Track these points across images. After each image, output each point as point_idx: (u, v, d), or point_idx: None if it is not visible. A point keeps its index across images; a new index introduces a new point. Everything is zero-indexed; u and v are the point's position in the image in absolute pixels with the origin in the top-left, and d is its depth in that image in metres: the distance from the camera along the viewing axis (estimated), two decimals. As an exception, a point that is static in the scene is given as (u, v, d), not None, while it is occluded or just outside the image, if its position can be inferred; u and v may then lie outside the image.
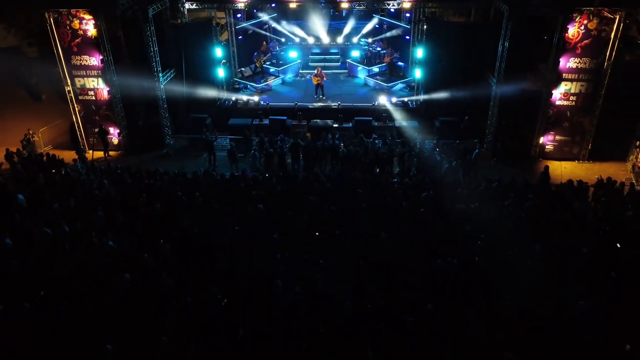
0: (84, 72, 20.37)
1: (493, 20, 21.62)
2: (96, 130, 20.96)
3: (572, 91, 19.43)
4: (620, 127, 20.53)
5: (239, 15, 27.16)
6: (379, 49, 28.70)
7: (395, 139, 20.19)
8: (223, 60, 24.30)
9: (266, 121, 22.23)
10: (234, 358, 9.76)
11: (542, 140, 20.43)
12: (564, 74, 19.18)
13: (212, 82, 23.80)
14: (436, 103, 22.24)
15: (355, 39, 30.13)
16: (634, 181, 17.85)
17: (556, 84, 19.36)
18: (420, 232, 13.54)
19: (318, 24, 28.93)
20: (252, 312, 10.69)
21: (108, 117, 21.19)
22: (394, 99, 23.98)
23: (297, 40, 30.47)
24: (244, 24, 27.36)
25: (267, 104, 23.77)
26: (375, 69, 27.27)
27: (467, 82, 20.73)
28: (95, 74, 20.40)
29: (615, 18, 17.79)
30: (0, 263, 12.22)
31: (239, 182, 16.35)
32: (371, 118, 22.16)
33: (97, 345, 9.63)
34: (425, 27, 22.68)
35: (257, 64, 27.04)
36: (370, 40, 29.91)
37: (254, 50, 27.48)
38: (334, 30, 30.76)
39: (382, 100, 23.67)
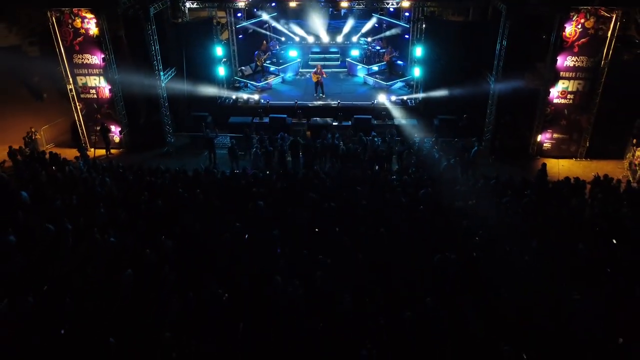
0: (86, 70, 20.48)
1: (491, 19, 21.77)
2: (98, 128, 21.09)
3: (570, 89, 19.57)
4: (617, 125, 20.68)
5: (239, 15, 27.31)
6: (378, 47, 28.85)
7: (394, 137, 20.34)
8: (223, 59, 24.49)
9: (266, 119, 22.38)
10: (235, 352, 9.90)
11: (539, 138, 20.57)
12: (561, 73, 19.30)
13: (213, 81, 23.96)
14: (435, 101, 22.38)
15: (354, 38, 30.28)
16: (630, 179, 17.99)
17: (554, 82, 19.49)
18: (419, 228, 13.71)
19: (318, 23, 29.08)
20: (252, 307, 10.86)
21: (109, 115, 21.32)
22: (393, 98, 24.14)
23: (297, 39, 30.61)
24: (244, 23, 27.51)
25: (267, 102, 23.93)
26: (375, 67, 27.42)
27: (466, 81, 20.83)
28: (97, 73, 20.52)
29: (612, 17, 17.91)
30: (5, 259, 12.43)
31: (240, 179, 16.52)
32: (370, 116, 22.34)
33: (101, 338, 9.81)
34: (424, 26, 22.86)
35: (257, 63, 27.18)
36: (369, 39, 30.04)
37: (254, 49, 27.63)
38: (333, 30, 30.91)
39: (382, 98, 23.82)
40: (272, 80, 26.53)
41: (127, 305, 11.00)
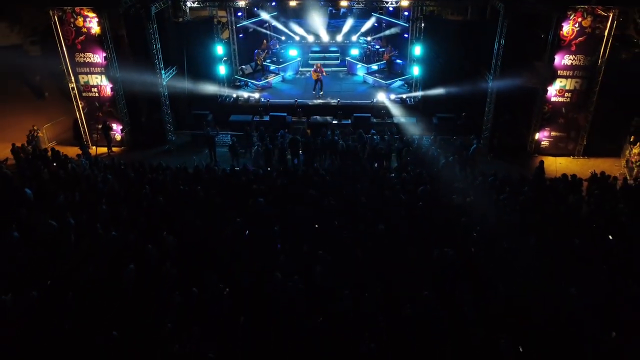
0: (88, 69, 20.61)
1: (489, 18, 21.92)
2: (99, 126, 21.23)
3: (567, 88, 19.71)
4: (614, 123, 20.84)
5: (239, 14, 27.45)
6: (377, 47, 29.03)
7: (393, 135, 20.50)
8: (224, 58, 24.63)
9: (267, 118, 22.53)
10: (235, 346, 10.06)
11: (537, 136, 20.70)
12: (559, 71, 19.44)
13: (214, 79, 24.08)
14: (434, 100, 22.48)
15: (354, 37, 30.42)
16: (627, 176, 18.15)
17: (551, 81, 19.63)
18: (418, 225, 13.88)
19: (317, 22, 29.23)
20: (252, 302, 11.02)
21: (111, 113, 21.45)
22: (393, 96, 24.28)
23: (297, 38, 30.75)
24: (245, 22, 27.65)
25: (268, 100, 24.09)
26: (374, 66, 27.58)
27: (464, 79, 20.98)
28: (99, 71, 20.65)
29: (608, 16, 18.06)
30: (9, 254, 12.61)
31: (240, 176, 16.70)
32: (370, 115, 22.51)
33: (104, 331, 9.98)
34: (423, 25, 23.01)
35: (257, 62, 27.34)
36: (369, 38, 30.22)
37: (254, 48, 27.81)
38: (333, 29, 31.05)
39: (381, 97, 23.97)
40: (272, 79, 26.68)
41: (129, 299, 11.16)
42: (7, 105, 25.21)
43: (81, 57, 20.38)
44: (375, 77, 26.65)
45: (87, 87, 21.02)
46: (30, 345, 9.94)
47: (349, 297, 10.93)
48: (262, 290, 11.34)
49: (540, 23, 20.69)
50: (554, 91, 19.87)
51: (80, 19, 19.62)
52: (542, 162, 17.70)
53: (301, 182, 16.21)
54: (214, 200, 15.06)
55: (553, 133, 20.61)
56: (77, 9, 19.41)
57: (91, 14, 19.55)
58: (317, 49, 30.01)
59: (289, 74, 27.73)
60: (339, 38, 30.52)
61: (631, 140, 19.01)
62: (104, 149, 21.61)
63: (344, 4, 22.75)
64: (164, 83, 21.10)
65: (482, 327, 10.22)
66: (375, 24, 29.86)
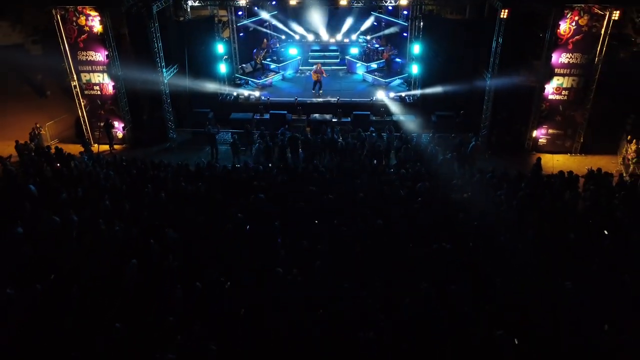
0: (90, 67, 20.80)
1: (487, 17, 22.07)
2: (101, 124, 21.40)
3: (565, 86, 19.88)
4: (611, 121, 21.04)
5: (240, 13, 27.64)
6: (377, 45, 29.21)
7: (393, 133, 20.70)
8: (225, 57, 24.83)
9: (267, 116, 22.71)
10: (236, 337, 10.26)
11: (535, 133, 20.89)
12: (556, 69, 19.63)
13: (214, 78, 24.27)
14: (433, 98, 22.65)
15: (354, 36, 30.59)
16: (623, 173, 18.34)
17: (549, 79, 19.83)
18: (416, 220, 14.07)
19: (317, 21, 29.40)
20: (253, 295, 11.21)
21: (113, 111, 21.63)
22: (392, 94, 24.48)
23: (297, 37, 30.92)
24: (245, 22, 27.84)
25: (268, 99, 24.28)
26: (374, 65, 27.74)
27: (463, 78, 21.18)
28: (101, 69, 20.83)
29: (605, 15, 18.23)
30: (13, 249, 12.80)
31: (241, 173, 16.89)
32: (369, 113, 22.68)
33: (107, 324, 10.17)
34: (422, 23, 23.21)
35: (256, 61, 27.52)
36: (368, 37, 30.39)
37: (255, 47, 28.00)
38: (333, 28, 31.20)
39: (380, 95, 24.17)
40: (273, 78, 26.86)
41: (132, 293, 11.33)
42: (9, 103, 25.39)
43: (83, 55, 20.56)
44: (375, 75, 26.84)
45: (89, 85, 21.21)
46: (35, 338, 10.05)
47: (347, 289, 11.11)
48: (263, 284, 11.50)
49: (538, 22, 20.85)
50: (551, 89, 20.05)
51: (83, 18, 19.81)
52: (539, 159, 17.89)
53: (301, 179, 16.38)
54: (215, 197, 15.23)
55: (550, 131, 20.79)
56: (79, 7, 19.60)
57: (93, 13, 19.74)
58: (317, 47, 30.19)
59: (289, 72, 27.91)
60: (339, 37, 30.68)
61: (628, 138, 19.18)
62: (106, 147, 21.76)
63: (343, 2, 22.90)
64: (166, 81, 21.29)
65: (479, 320, 10.40)
66: (375, 23, 30.04)
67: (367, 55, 28.54)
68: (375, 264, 12.10)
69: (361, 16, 29.48)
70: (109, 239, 13.29)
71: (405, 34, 27.12)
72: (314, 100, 24.48)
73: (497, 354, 9.70)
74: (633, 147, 18.53)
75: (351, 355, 9.68)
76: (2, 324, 10.33)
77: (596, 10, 18.34)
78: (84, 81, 21.12)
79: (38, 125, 21.03)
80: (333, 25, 30.07)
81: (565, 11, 18.59)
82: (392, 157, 19.58)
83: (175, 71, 22.45)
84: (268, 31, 30.02)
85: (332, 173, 16.76)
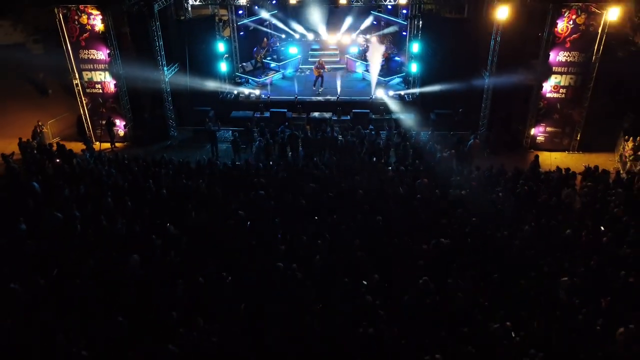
0: (92, 65, 20.94)
1: (486, 15, 22.22)
2: (103, 122, 21.54)
3: (562, 84, 20.03)
4: (609, 119, 21.19)
5: (240, 12, 27.79)
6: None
7: (392, 131, 20.86)
8: (225, 55, 24.98)
9: (267, 114, 22.85)
10: (236, 331, 10.42)
11: (533, 131, 21.04)
12: (554, 67, 19.77)
13: (215, 76, 24.38)
14: (432, 96, 22.74)
15: (353, 35, 30.69)
16: (620, 170, 18.49)
17: (546, 77, 19.99)
18: (415, 216, 14.25)
19: (317, 20, 29.50)
20: (254, 290, 11.38)
21: (114, 109, 21.78)
22: (391, 93, 24.60)
23: (296, 36, 31.03)
24: (246, 21, 27.97)
25: (268, 97, 24.44)
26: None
27: (461, 76, 21.29)
28: (102, 68, 20.97)
29: (602, 13, 18.39)
30: (17, 245, 12.99)
31: (242, 170, 17.07)
32: (369, 111, 22.83)
33: (110, 318, 10.34)
34: (420, 22, 23.37)
35: (256, 59, 27.66)
36: (368, 36, 30.49)
37: (255, 46, 28.13)
38: (332, 27, 31.29)
39: (380, 93, 24.33)
40: (273, 76, 27.00)
41: (134, 287, 11.49)
42: (11, 102, 25.53)
43: (85, 54, 20.70)
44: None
45: (91, 83, 21.36)
46: (38, 332, 10.24)
47: (347, 283, 11.28)
48: (263, 279, 11.66)
49: (536, 20, 21.00)
50: (549, 87, 20.20)
51: (85, 17, 19.96)
52: (537, 157, 18.07)
53: (301, 176, 16.55)
54: (216, 193, 15.40)
55: (548, 128, 20.95)
56: (81, 6, 19.75)
57: (95, 12, 19.88)
58: (316, 46, 30.32)
59: (289, 71, 28.04)
60: (338, 36, 30.76)
61: (625, 137, 19.32)
62: (107, 145, 21.93)
63: (342, 1, 23.05)
64: (167, 79, 21.45)
65: (477, 313, 10.58)
66: (374, 22, 30.13)
67: (366, 54, 28.64)
68: (374, 260, 12.25)
69: (360, 15, 29.57)
70: (111, 235, 13.49)
71: (404, 33, 27.26)
72: (314, 98, 24.62)
73: (495, 347, 9.86)
74: (630, 144, 18.68)
75: (351, 351, 9.82)
76: (7, 318, 10.47)
77: (593, 9, 18.50)
78: (86, 79, 21.26)
79: (40, 124, 21.17)
80: (333, 24, 30.15)
81: (563, 10, 18.75)
82: (391, 155, 19.74)
83: (176, 70, 22.59)
84: (268, 30, 30.13)
85: (332, 170, 16.91)
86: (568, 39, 19.17)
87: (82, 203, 15.01)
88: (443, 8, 25.51)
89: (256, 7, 26.49)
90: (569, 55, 19.51)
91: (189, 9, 23.97)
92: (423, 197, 14.93)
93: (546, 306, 10.89)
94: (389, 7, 27.51)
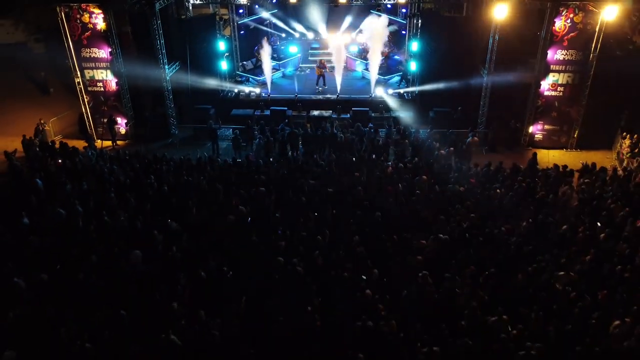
0: (93, 64, 21.11)
1: (484, 14, 22.36)
2: (105, 120, 21.71)
3: (560, 82, 20.20)
4: (606, 117, 21.35)
5: (241, 11, 27.96)
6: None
7: (391, 128, 21.03)
8: (226, 54, 25.15)
9: (267, 112, 23.01)
10: (238, 323, 10.58)
11: (531, 129, 21.22)
12: (551, 66, 19.95)
13: (215, 75, 24.59)
14: (431, 94, 22.92)
15: (353, 34, 30.84)
16: (617, 167, 18.65)
17: (544, 75, 20.16)
18: (414, 212, 14.40)
19: (317, 19, 29.65)
20: (254, 284, 11.54)
21: (116, 107, 21.94)
22: (391, 91, 24.78)
23: (296, 35, 31.21)
24: (246, 20, 28.15)
25: (269, 95, 24.60)
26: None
27: (460, 74, 21.47)
28: (104, 66, 21.14)
29: (599, 12, 18.54)
30: (20, 240, 13.16)
31: (242, 166, 17.23)
32: (368, 109, 23.00)
33: (113, 311, 10.50)
34: (420, 21, 23.54)
35: (257, 57, 27.82)
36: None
37: (255, 45, 28.30)
38: (332, 26, 31.42)
39: (379, 92, 24.49)
40: (273, 75, 27.16)
41: (136, 281, 11.64)
42: (12, 101, 25.71)
43: (87, 52, 20.86)
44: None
45: (93, 81, 21.52)
46: (43, 325, 10.36)
47: (346, 277, 11.43)
48: (264, 273, 11.81)
49: (534, 19, 21.17)
50: (547, 85, 20.37)
51: (87, 15, 20.12)
52: (535, 154, 18.20)
53: (301, 173, 16.71)
54: (217, 189, 15.55)
55: (546, 126, 21.12)
56: (83, 5, 19.91)
57: (97, 11, 20.05)
58: (316, 45, 30.49)
59: (289, 69, 28.22)
60: (338, 35, 30.87)
61: (623, 135, 19.46)
62: (109, 143, 22.09)
63: (342, 0, 23.20)
64: (168, 78, 21.60)
65: (475, 307, 10.73)
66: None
67: (366, 53, 28.79)
68: (373, 254, 12.40)
69: (360, 14, 29.71)
70: (113, 231, 13.65)
71: (403, 32, 27.43)
72: (314, 96, 24.79)
73: (492, 340, 10.01)
74: (627, 142, 18.84)
75: (350, 344, 9.97)
76: (11, 312, 10.62)
77: (590, 8, 18.66)
78: (88, 78, 21.43)
79: (42, 121, 21.33)
80: (332, 23, 30.30)
81: (561, 8, 18.92)
82: (391, 153, 19.89)
83: (177, 68, 22.75)
84: (268, 29, 30.29)
85: (332, 167, 17.07)
86: (566, 37, 19.33)
87: (85, 199, 15.19)
88: (442, 7, 25.67)
89: (256, 6, 26.65)
90: (566, 54, 19.68)
91: (190, 7, 24.17)
92: (422, 194, 15.07)
93: (543, 300, 11.01)
94: (389, 6, 27.70)
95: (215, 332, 10.08)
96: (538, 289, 11.33)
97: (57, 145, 19.17)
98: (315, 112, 23.09)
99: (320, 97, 24.84)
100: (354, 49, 29.28)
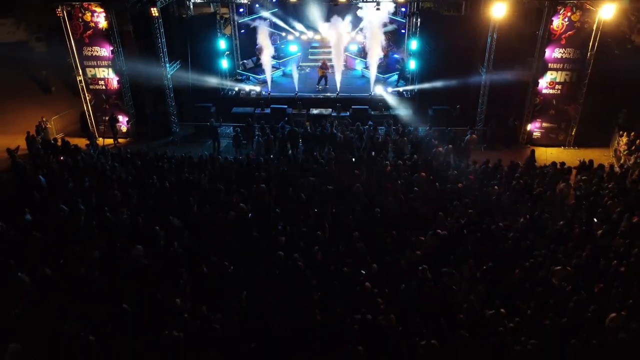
0: (95, 62, 21.27)
1: (482, 13, 22.51)
2: (106, 118, 21.85)
3: (558, 80, 20.37)
4: (604, 115, 21.52)
5: (241, 10, 28.10)
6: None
7: (390, 126, 21.18)
8: (226, 52, 25.29)
9: (268, 110, 23.15)
10: (239, 318, 10.73)
11: (529, 127, 21.38)
12: (549, 64, 20.12)
13: (216, 73, 24.69)
14: (430, 92, 23.01)
15: (352, 33, 30.95)
16: (614, 164, 18.80)
17: (542, 74, 20.32)
18: (413, 208, 14.56)
19: (316, 18, 29.77)
20: (255, 279, 11.70)
21: (117, 105, 22.11)
22: (390, 89, 24.93)
23: (297, 34, 31.31)
24: (246, 19, 28.28)
25: (269, 93, 24.75)
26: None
27: (459, 73, 21.57)
28: (106, 64, 21.30)
29: (596, 10, 18.69)
30: (23, 236, 13.32)
31: (243, 164, 17.38)
32: (368, 107, 23.15)
33: (115, 305, 10.66)
34: (419, 20, 23.69)
35: (258, 56, 27.95)
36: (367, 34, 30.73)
37: (255, 44, 28.39)
38: (332, 25, 31.52)
39: (379, 90, 24.64)
40: (273, 74, 27.28)
41: (138, 276, 11.79)
42: (14, 100, 25.87)
43: (89, 50, 21.04)
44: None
45: (95, 80, 21.68)
46: (47, 319, 10.51)
47: (346, 272, 11.59)
48: (264, 268, 11.96)
49: (532, 17, 21.31)
50: (545, 83, 20.54)
51: (88, 14, 20.29)
52: (533, 151, 18.39)
53: (301, 170, 16.86)
54: (218, 186, 15.70)
55: (544, 124, 21.29)
56: (85, 4, 20.08)
57: (99, 9, 20.22)
58: (316, 44, 30.61)
59: (289, 68, 28.32)
60: (338, 34, 30.96)
61: (620, 132, 19.63)
62: (111, 141, 22.24)
63: (342, 0, 23.36)
64: (169, 76, 21.74)
65: (474, 301, 10.88)
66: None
67: (365, 51, 28.94)
68: (372, 250, 12.56)
69: (360, 13, 29.83)
70: (115, 227, 13.81)
71: (403, 31, 27.57)
72: (314, 95, 24.94)
73: (489, 334, 10.17)
74: (624, 139, 19.01)
75: (349, 337, 10.12)
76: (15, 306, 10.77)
77: (588, 6, 18.82)
78: (89, 76, 21.58)
79: (44, 119, 21.48)
80: (332, 22, 30.40)
81: (558, 7, 19.08)
82: (390, 150, 20.02)
83: (178, 66, 22.87)
84: (269, 28, 30.36)
85: (331, 164, 17.22)
86: (563, 35, 19.50)
87: (87, 196, 15.37)
88: (441, 6, 25.82)
89: (257, 5, 26.78)
90: (564, 52, 19.85)
91: (191, 6, 24.30)
92: (421, 190, 15.23)
93: (540, 294, 11.16)
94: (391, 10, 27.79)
95: (217, 325, 10.21)
96: (535, 283, 11.46)
97: (59, 143, 19.31)
98: (315, 111, 23.22)
99: (320, 95, 24.97)
100: (354, 47, 29.40)
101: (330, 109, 23.37)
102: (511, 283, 11.51)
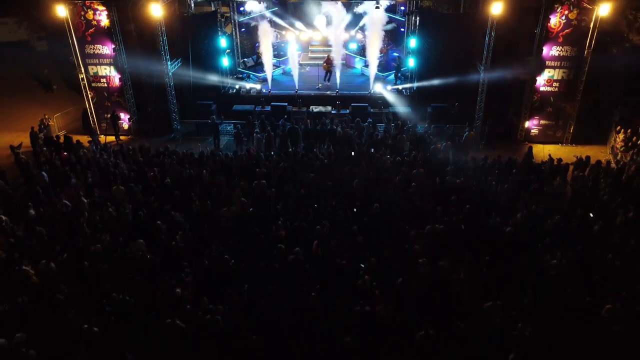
0: (97, 60, 21.44)
1: (480, 11, 22.68)
2: (108, 116, 22.01)
3: (555, 78, 20.51)
4: (601, 112, 21.70)
5: (242, 9, 28.27)
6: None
7: (390, 123, 21.35)
8: (227, 51, 25.46)
9: (268, 108, 23.32)
10: (240, 309, 10.92)
11: (527, 124, 21.55)
12: (547, 62, 20.26)
13: (217, 71, 24.87)
14: (428, 90, 23.16)
15: (352, 32, 31.11)
16: (611, 161, 18.99)
17: (540, 71, 20.49)
18: (411, 203, 14.74)
19: (316, 17, 29.95)
20: (256, 271, 11.89)
21: (119, 103, 22.27)
22: (389, 87, 25.11)
23: (296, 33, 31.44)
24: (247, 17, 28.45)
25: (269, 91, 24.92)
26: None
27: (457, 70, 21.77)
28: (108, 62, 21.47)
29: (594, 9, 18.87)
30: (28, 230, 13.53)
31: (244, 159, 17.56)
32: (367, 104, 23.33)
33: (118, 297, 10.85)
34: (418, 18, 23.86)
35: (258, 55, 28.12)
36: (366, 32, 30.88)
37: (256, 42, 28.59)
38: (332, 24, 31.67)
39: (378, 88, 24.82)
40: (274, 71, 27.45)
41: (139, 269, 11.98)
42: (16, 98, 26.05)
43: (91, 48, 21.20)
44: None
45: (97, 77, 21.85)
46: (51, 312, 10.71)
47: (345, 266, 11.77)
48: (265, 261, 12.15)
49: (529, 16, 21.48)
50: (542, 81, 20.68)
51: (91, 12, 20.46)
52: (530, 148, 18.57)
53: (301, 166, 17.04)
54: (219, 182, 15.89)
55: (542, 121, 21.44)
56: (87, 2, 20.24)
57: (101, 7, 20.39)
58: (316, 43, 30.78)
59: (289, 66, 28.48)
60: (338, 32, 31.11)
61: (617, 129, 19.77)
62: (112, 138, 22.37)
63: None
64: (170, 74, 21.89)
65: (472, 293, 11.06)
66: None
67: (365, 50, 29.08)
68: (371, 244, 12.74)
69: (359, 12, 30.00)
70: (119, 221, 14.01)
71: (402, 29, 27.75)
72: (313, 93, 25.12)
73: (486, 325, 10.35)
74: (621, 136, 19.15)
75: (348, 328, 10.29)
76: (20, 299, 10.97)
77: (585, 5, 18.98)
78: (92, 74, 21.74)
79: (47, 117, 21.62)
80: (332, 20, 30.56)
81: (556, 5, 19.23)
82: (389, 146, 20.17)
83: (179, 64, 23.02)
84: (269, 27, 30.51)
85: (331, 160, 17.40)
86: (561, 33, 19.66)
87: (89, 191, 15.56)
88: (440, 5, 26.00)
89: (258, 2, 26.89)
90: (561, 50, 19.99)
91: (192, 5, 24.45)
92: (419, 185, 15.41)
93: (536, 287, 11.34)
94: (387, 4, 27.90)
95: (219, 317, 10.40)
96: (531, 276, 11.65)
97: (61, 140, 19.49)
98: (315, 108, 23.40)
99: (320, 93, 25.15)
100: (353, 46, 29.58)
101: (330, 107, 23.54)
102: (508, 275, 11.69)
